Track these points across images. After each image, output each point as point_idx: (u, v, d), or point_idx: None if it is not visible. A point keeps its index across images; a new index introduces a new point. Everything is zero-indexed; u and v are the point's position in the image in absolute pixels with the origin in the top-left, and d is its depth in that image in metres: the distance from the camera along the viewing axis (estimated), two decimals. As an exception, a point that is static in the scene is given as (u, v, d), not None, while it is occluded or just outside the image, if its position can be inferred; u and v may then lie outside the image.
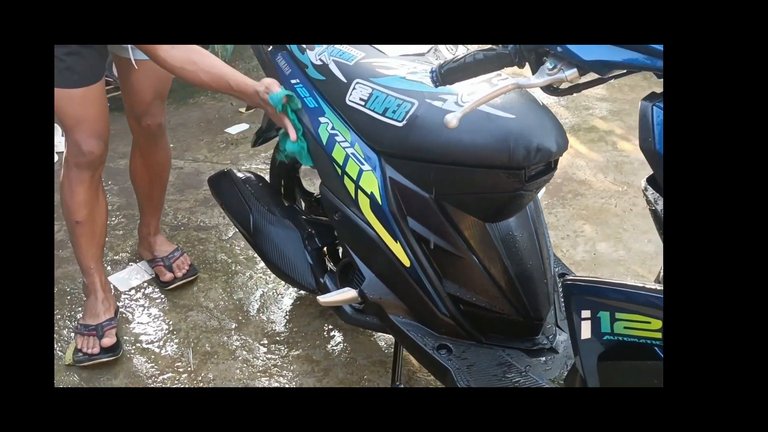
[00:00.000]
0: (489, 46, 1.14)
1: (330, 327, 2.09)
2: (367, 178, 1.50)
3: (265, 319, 2.12)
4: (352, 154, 1.53)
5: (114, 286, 2.23)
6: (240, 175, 2.00)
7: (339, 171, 1.55)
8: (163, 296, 2.22)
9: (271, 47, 1.73)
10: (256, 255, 2.34)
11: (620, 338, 1.11)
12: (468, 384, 1.43)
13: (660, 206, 1.04)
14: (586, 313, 1.14)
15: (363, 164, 1.51)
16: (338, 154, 1.55)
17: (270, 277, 2.27)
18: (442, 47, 1.57)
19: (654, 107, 0.99)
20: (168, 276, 2.23)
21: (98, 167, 1.92)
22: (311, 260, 1.82)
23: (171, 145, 2.30)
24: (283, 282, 2.23)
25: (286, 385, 1.88)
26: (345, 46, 1.56)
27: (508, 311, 1.50)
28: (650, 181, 1.08)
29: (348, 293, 1.59)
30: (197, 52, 1.64)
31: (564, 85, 1.08)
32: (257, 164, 2.92)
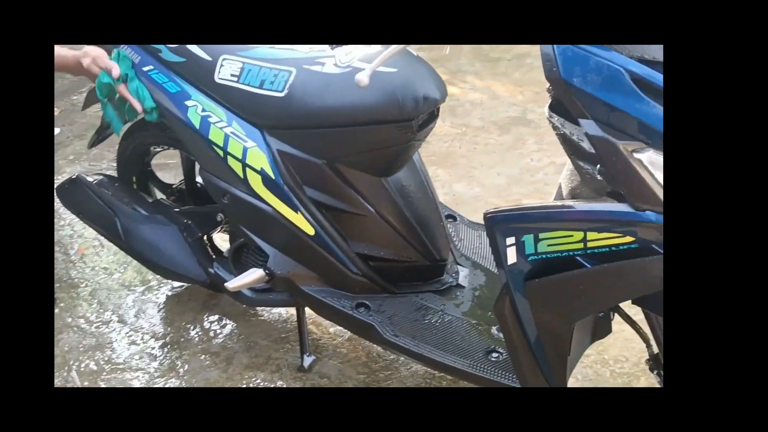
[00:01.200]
0: None
1: (218, 316, 2.02)
2: (254, 155, 1.46)
3: (146, 324, 1.99)
4: (232, 132, 1.48)
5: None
6: (91, 179, 1.84)
7: (221, 153, 1.49)
8: (22, 327, 1.99)
9: (109, 35, 1.59)
10: (113, 263, 2.19)
11: (544, 256, 1.20)
12: (394, 334, 1.48)
13: (567, 129, 1.13)
14: (510, 240, 1.23)
15: (246, 141, 1.47)
16: (216, 136, 1.48)
17: (137, 280, 2.13)
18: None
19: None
20: None
21: None
22: (195, 252, 1.74)
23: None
24: (152, 282, 2.11)
25: (193, 383, 1.80)
26: (201, 22, 1.49)
27: (415, 258, 1.56)
28: (552, 107, 1.17)
29: (254, 274, 1.55)
30: None
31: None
32: (83, 167, 2.69)
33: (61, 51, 1.57)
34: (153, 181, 1.97)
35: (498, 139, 2.67)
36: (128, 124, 1.74)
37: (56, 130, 2.93)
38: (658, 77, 1.05)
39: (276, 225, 1.50)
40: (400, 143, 1.44)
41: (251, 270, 1.56)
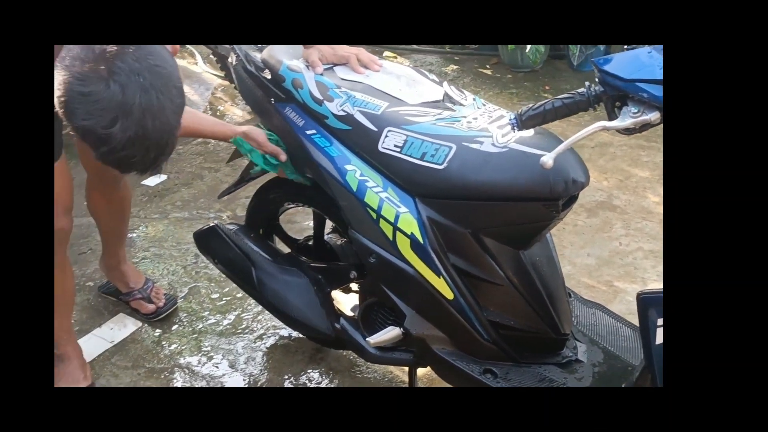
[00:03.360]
0: (567, 94, 1.28)
1: (323, 370, 2.10)
2: (406, 220, 1.58)
3: (256, 371, 2.08)
4: (386, 198, 1.60)
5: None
6: (230, 227, 1.97)
7: (374, 215, 1.61)
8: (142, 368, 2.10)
9: (273, 99, 1.75)
10: (217, 306, 2.30)
11: (692, 338, 1.29)
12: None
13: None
14: (660, 321, 1.31)
15: (399, 207, 1.58)
16: (371, 199, 1.61)
17: (237, 329, 2.23)
18: (452, 93, 1.70)
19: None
20: (150, 307, 2.17)
21: (66, 241, 1.85)
22: (324, 306, 1.85)
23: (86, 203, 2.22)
24: (260, 330, 2.21)
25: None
26: (365, 95, 1.63)
27: (542, 330, 1.64)
28: None
29: (392, 332, 1.64)
30: None
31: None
32: (191, 214, 2.83)
33: (219, 126, 1.76)
34: (279, 235, 2.09)
35: (586, 221, 2.77)
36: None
37: (163, 177, 3.10)
38: None
39: (418, 287, 1.60)
40: (543, 220, 1.54)
41: (389, 328, 1.65)
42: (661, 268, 2.50)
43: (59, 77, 1.07)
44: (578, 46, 4.00)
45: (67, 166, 1.81)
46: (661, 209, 2.85)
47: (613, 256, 2.56)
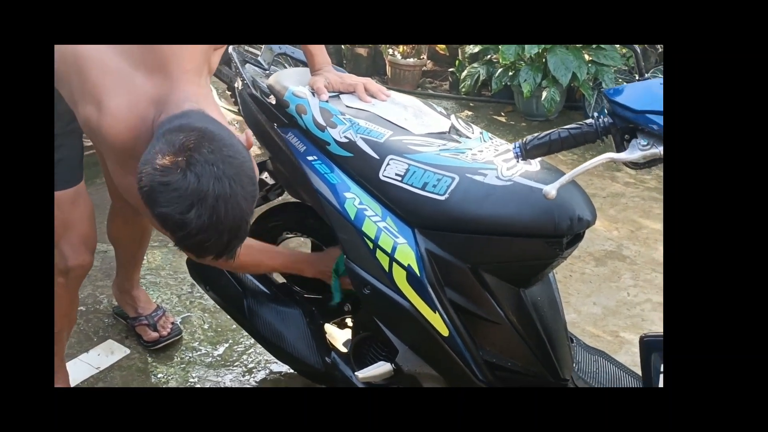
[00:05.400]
0: (574, 123, 1.24)
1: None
2: (403, 251, 1.53)
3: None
4: (384, 227, 1.55)
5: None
6: (225, 254, 1.92)
7: (371, 245, 1.55)
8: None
9: (276, 124, 1.72)
10: (208, 337, 2.24)
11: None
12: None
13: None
14: (662, 367, 1.25)
15: (397, 237, 1.53)
16: (369, 228, 1.56)
17: (227, 362, 2.16)
18: (459, 126, 1.66)
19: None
20: (153, 335, 2.11)
21: (83, 278, 1.81)
22: (315, 339, 1.78)
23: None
24: (251, 364, 2.14)
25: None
26: (369, 123, 1.60)
27: (540, 373, 1.56)
28: None
29: (383, 367, 1.58)
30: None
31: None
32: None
33: (294, 262, 1.73)
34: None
35: (594, 270, 2.71)
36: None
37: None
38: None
39: (412, 322, 1.54)
40: (545, 258, 1.48)
41: (380, 363, 1.58)
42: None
43: (144, 170, 1.13)
44: (594, 96, 3.99)
45: (88, 198, 1.76)
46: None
47: (620, 307, 2.49)
